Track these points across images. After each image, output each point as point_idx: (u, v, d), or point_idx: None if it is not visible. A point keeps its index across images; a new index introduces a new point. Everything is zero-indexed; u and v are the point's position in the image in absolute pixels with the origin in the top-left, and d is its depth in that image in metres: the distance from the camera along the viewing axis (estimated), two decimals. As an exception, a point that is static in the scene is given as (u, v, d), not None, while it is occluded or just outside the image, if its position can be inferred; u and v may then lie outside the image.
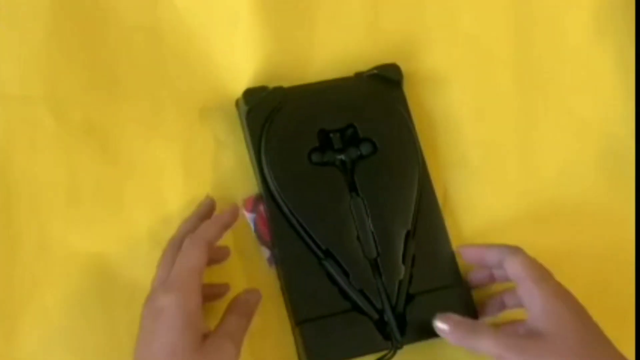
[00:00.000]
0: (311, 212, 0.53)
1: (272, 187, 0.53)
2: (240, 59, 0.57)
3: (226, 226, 0.50)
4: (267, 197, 0.53)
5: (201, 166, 0.56)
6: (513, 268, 0.50)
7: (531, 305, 0.48)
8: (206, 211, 0.53)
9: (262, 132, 0.54)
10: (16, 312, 0.51)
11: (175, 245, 0.49)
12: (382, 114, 0.56)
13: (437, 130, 0.59)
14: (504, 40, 0.62)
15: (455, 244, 0.55)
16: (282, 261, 0.52)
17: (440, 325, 0.49)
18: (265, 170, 0.53)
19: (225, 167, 0.56)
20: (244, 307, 0.49)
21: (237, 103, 0.56)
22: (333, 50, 0.59)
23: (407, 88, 0.58)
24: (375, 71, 0.57)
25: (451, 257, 0.54)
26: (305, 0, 0.59)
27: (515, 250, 0.51)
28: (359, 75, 0.57)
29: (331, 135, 0.55)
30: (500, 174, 0.59)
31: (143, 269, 0.52)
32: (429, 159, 0.56)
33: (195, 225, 0.51)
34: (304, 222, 0.52)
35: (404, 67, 0.58)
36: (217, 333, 0.46)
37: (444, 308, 0.51)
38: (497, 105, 0.60)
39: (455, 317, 0.50)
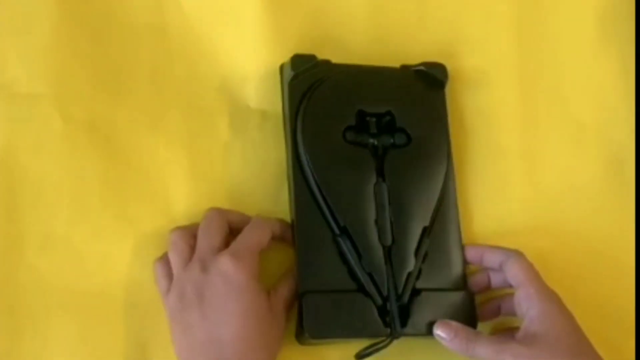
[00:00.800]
0: (336, 187, 0.52)
1: (302, 154, 0.53)
2: (247, 60, 0.57)
3: (276, 237, 0.52)
4: (294, 164, 0.53)
5: (207, 167, 0.55)
6: (513, 271, 0.52)
7: (529, 308, 0.50)
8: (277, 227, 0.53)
9: (303, 100, 0.54)
10: (19, 310, 0.50)
11: (219, 217, 0.51)
12: (422, 109, 0.56)
13: (467, 133, 0.59)
14: (509, 48, 0.63)
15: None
16: (299, 230, 0.52)
17: (440, 333, 0.50)
18: (299, 137, 0.53)
19: (231, 167, 0.55)
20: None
21: (281, 68, 0.56)
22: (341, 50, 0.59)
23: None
24: (422, 67, 0.57)
25: (461, 260, 0.54)
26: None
27: (517, 254, 0.53)
28: (405, 68, 0.58)
29: (368, 118, 0.55)
30: (505, 179, 0.59)
31: (148, 268, 0.52)
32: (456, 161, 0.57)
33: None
34: (327, 195, 0.52)
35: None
36: (276, 298, 0.50)
37: (447, 309, 0.52)
38: (504, 111, 0.61)
39: (454, 325, 0.50)
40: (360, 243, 0.52)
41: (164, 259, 0.51)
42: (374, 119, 0.55)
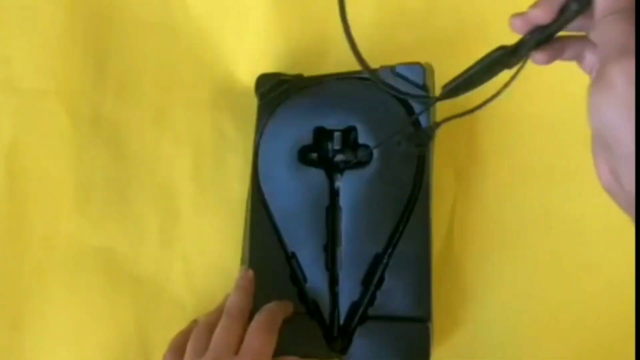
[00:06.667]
0: (287, 210, 0.52)
1: (260, 178, 0.53)
2: (252, 57, 0.56)
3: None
4: (255, 186, 0.53)
5: (210, 163, 0.56)
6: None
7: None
8: (249, 286, 0.51)
9: (267, 121, 0.53)
10: (22, 305, 0.52)
11: (240, 317, 0.48)
12: (389, 123, 0.51)
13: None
14: None
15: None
16: (252, 249, 0.53)
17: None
18: (259, 160, 0.53)
19: (233, 164, 0.56)
20: None
21: (255, 87, 0.55)
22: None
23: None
24: (398, 68, 0.51)
25: (426, 290, 0.50)
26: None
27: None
28: (383, 69, 0.52)
29: (335, 133, 0.52)
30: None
31: (151, 265, 0.54)
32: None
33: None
34: (278, 219, 0.52)
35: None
36: None
37: (395, 341, 0.49)
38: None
39: None
40: (308, 269, 0.51)
41: (174, 348, 0.49)
42: (339, 134, 0.52)
